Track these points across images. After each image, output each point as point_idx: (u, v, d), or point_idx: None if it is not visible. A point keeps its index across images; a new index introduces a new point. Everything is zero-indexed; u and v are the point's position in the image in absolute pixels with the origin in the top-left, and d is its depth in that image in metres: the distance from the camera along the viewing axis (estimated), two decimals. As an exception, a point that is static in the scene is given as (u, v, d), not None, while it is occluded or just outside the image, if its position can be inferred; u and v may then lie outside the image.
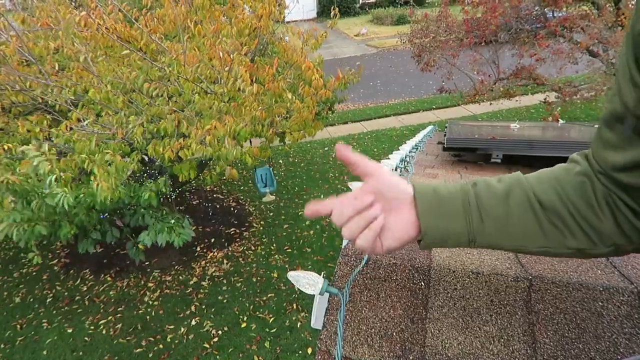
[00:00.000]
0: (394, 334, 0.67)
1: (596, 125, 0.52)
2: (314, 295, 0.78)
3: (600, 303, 0.62)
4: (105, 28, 2.72)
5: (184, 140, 2.72)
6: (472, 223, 0.51)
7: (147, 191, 2.96)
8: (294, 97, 3.16)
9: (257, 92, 2.70)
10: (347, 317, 0.70)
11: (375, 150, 8.86)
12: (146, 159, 3.33)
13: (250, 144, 3.23)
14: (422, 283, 0.69)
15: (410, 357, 0.64)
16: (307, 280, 0.76)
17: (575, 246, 0.50)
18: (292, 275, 0.80)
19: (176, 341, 4.24)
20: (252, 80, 2.78)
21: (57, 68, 3.05)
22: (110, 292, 5.02)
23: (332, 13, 3.71)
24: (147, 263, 5.45)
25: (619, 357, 0.57)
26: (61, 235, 2.80)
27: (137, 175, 3.61)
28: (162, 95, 2.84)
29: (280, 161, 8.61)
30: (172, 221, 3.55)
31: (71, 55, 2.77)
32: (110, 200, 2.49)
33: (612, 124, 0.46)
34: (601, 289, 0.63)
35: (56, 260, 5.68)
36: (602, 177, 0.49)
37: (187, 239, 3.57)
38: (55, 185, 2.23)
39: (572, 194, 0.50)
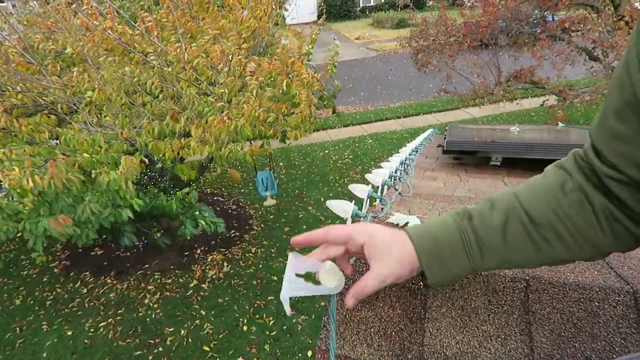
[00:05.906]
0: (393, 333, 0.67)
1: None
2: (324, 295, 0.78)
3: (596, 303, 0.63)
4: (106, 30, 2.73)
5: (184, 140, 2.74)
6: (475, 261, 0.52)
7: (173, 202, 3.10)
8: (297, 93, 3.18)
9: (259, 88, 2.70)
10: (347, 316, 0.71)
11: (375, 152, 8.87)
12: (146, 160, 3.35)
13: (250, 144, 3.24)
14: (421, 283, 0.70)
15: (409, 356, 0.65)
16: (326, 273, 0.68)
17: (571, 259, 0.52)
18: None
19: (176, 344, 4.24)
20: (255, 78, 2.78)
21: (59, 69, 3.06)
22: (110, 295, 5.01)
23: (324, 15, 3.85)
24: (146, 266, 5.45)
25: (614, 356, 0.58)
26: (80, 240, 2.84)
27: (140, 175, 3.65)
28: (160, 94, 2.85)
29: (281, 164, 8.62)
30: (197, 212, 3.64)
31: (76, 54, 2.79)
32: (133, 213, 2.61)
33: (627, 115, 0.42)
34: (597, 289, 0.63)
35: (56, 262, 5.67)
36: (610, 180, 0.46)
37: (223, 228, 3.83)
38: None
39: (571, 214, 0.49)
